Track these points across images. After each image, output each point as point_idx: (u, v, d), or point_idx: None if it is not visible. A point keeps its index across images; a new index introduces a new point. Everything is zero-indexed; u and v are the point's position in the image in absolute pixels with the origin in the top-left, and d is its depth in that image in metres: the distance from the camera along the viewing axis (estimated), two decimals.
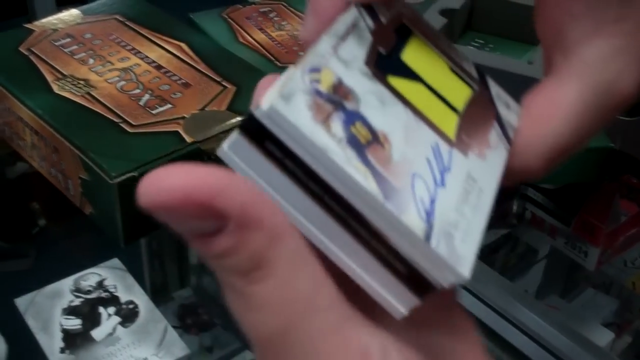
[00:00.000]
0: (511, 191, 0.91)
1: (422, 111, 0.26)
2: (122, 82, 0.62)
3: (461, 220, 0.24)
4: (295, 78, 0.23)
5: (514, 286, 0.79)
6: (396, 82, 0.26)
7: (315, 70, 0.24)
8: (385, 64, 0.27)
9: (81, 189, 0.58)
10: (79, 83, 0.62)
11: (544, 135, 0.27)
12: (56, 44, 0.68)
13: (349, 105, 0.24)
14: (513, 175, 0.27)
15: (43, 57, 0.66)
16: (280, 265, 0.20)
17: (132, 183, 0.54)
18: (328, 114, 0.23)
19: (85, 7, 0.74)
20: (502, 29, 0.68)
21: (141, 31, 0.70)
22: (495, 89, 0.30)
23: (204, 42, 0.70)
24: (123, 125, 0.58)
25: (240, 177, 0.21)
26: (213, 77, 0.63)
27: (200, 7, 0.84)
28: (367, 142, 0.23)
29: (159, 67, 0.65)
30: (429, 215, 0.23)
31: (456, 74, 0.29)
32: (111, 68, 0.64)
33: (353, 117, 0.24)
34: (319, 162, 0.22)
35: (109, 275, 0.65)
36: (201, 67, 0.65)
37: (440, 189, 0.24)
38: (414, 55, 0.28)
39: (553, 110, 0.27)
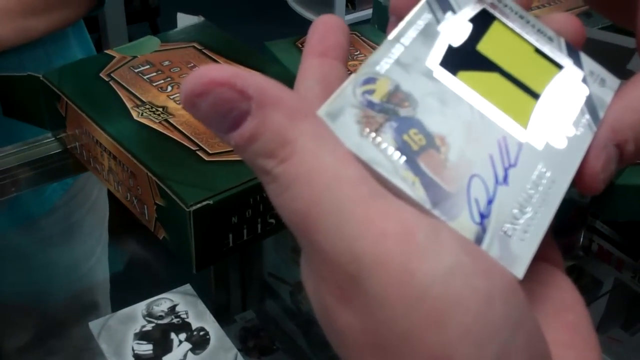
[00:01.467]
0: (578, 223, 0.89)
1: (493, 103, 0.26)
2: None
3: (523, 217, 0.24)
4: (346, 93, 0.24)
5: None
6: (467, 76, 0.26)
7: (370, 81, 0.25)
8: (456, 59, 0.27)
9: (156, 214, 0.59)
10: (157, 110, 0.63)
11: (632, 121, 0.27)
12: (135, 70, 0.69)
13: (404, 111, 0.24)
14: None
15: (123, 83, 0.67)
16: (303, 142, 0.21)
17: (207, 211, 0.54)
18: (379, 125, 0.24)
19: (163, 34, 0.76)
20: None
21: (217, 59, 0.71)
22: (589, 66, 0.29)
23: (279, 71, 0.70)
24: (199, 153, 0.58)
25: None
26: None
27: (276, 36, 0.85)
28: (420, 148, 0.24)
29: None
30: (483, 217, 0.23)
31: (542, 54, 0.28)
32: None
33: (407, 124, 0.24)
34: (372, 171, 0.23)
35: (181, 301, 0.66)
36: None
37: (501, 187, 0.24)
38: (493, 42, 0.28)
39: None
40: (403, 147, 0.24)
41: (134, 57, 0.71)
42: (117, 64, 0.70)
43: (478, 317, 0.21)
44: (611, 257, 0.86)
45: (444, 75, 0.26)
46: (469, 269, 0.21)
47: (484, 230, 0.23)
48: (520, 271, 0.23)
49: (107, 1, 0.86)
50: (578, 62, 0.29)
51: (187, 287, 0.67)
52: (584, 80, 0.28)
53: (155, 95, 0.65)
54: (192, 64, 0.70)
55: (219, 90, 0.21)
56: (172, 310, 0.65)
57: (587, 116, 0.27)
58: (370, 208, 0.21)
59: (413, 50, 0.26)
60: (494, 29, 0.28)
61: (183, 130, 0.61)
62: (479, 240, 0.23)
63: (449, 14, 0.27)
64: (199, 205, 0.54)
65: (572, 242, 0.92)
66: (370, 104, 0.24)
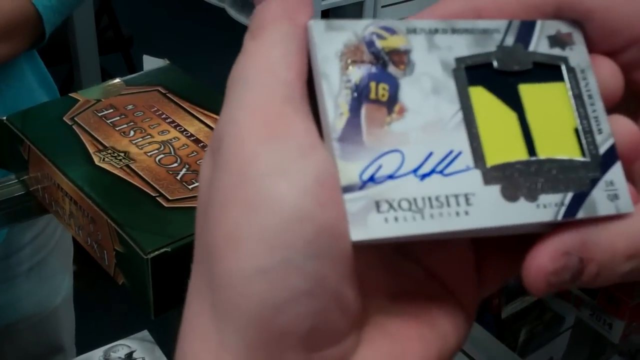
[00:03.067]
0: None
1: (479, 124, 0.26)
2: (161, 155, 0.64)
3: (404, 211, 0.24)
4: (358, 22, 0.25)
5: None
6: (479, 94, 0.26)
7: (389, 30, 0.26)
8: (486, 77, 0.26)
9: (115, 260, 0.59)
10: (119, 155, 0.64)
11: None
12: (99, 114, 0.70)
13: (393, 70, 0.25)
14: None
15: (86, 127, 0.68)
16: (271, 33, 0.25)
17: (165, 258, 0.55)
18: (360, 60, 0.25)
19: (128, 77, 0.77)
20: None
21: (182, 104, 0.72)
22: (612, 176, 0.27)
23: None
24: (159, 200, 0.59)
25: None
26: None
27: None
28: (375, 100, 0.25)
29: (197, 140, 0.66)
30: (370, 181, 0.24)
31: (578, 136, 0.27)
32: (151, 141, 0.66)
33: (384, 78, 0.25)
34: (318, 85, 0.25)
35: (139, 348, 0.66)
36: None
37: (412, 177, 0.24)
38: (539, 93, 0.27)
39: None
40: (362, 88, 0.25)
41: (98, 100, 0.72)
42: (81, 107, 0.71)
43: (281, 224, 0.22)
44: (570, 295, 0.87)
45: (460, 77, 0.26)
46: (307, 187, 0.22)
47: (361, 187, 0.24)
48: (356, 234, 0.23)
49: (79, 30, 0.86)
50: (605, 167, 0.26)
51: (145, 333, 0.67)
52: (593, 182, 0.26)
53: (117, 140, 0.66)
54: (155, 108, 0.71)
55: None
56: (129, 356, 0.66)
57: (563, 209, 0.26)
58: (270, 101, 0.24)
59: (455, 41, 0.26)
60: (553, 86, 0.27)
61: (144, 176, 0.61)
62: (348, 189, 0.23)
63: (519, 44, 0.27)
64: (156, 253, 0.54)
65: None
66: (370, 44, 0.25)
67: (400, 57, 0.25)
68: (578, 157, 0.26)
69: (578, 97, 0.27)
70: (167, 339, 0.86)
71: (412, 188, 0.24)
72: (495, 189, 0.25)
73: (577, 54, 0.28)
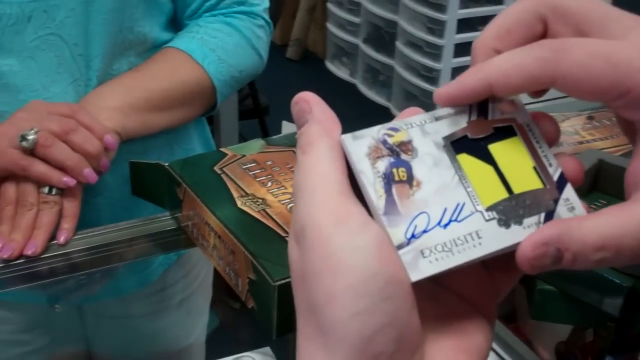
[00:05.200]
0: None
1: (471, 181, 0.36)
2: (292, 204, 0.76)
3: (441, 252, 0.34)
4: (373, 129, 0.36)
5: None
6: (464, 159, 0.37)
7: (394, 129, 0.37)
8: (465, 145, 0.37)
9: (248, 286, 0.71)
10: (257, 201, 0.77)
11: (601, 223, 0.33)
12: (243, 167, 0.83)
13: (405, 156, 0.36)
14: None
15: (232, 176, 0.81)
16: (319, 147, 0.34)
17: (290, 286, 0.65)
18: (381, 155, 0.36)
19: (269, 138, 0.90)
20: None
21: None
22: (567, 194, 0.37)
23: None
24: (288, 239, 0.71)
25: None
26: None
27: None
28: (399, 180, 0.35)
29: None
30: (413, 237, 0.34)
31: (537, 172, 0.37)
32: (285, 191, 0.78)
33: (401, 164, 0.36)
34: (359, 179, 0.35)
35: None
36: None
37: (439, 228, 0.35)
38: (503, 148, 0.37)
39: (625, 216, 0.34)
40: (388, 174, 0.35)
41: (243, 155, 0.86)
42: (229, 160, 0.85)
43: (362, 280, 0.31)
44: None
45: (449, 150, 0.36)
46: (371, 252, 0.32)
47: (407, 243, 0.34)
48: (414, 276, 0.33)
49: (222, 99, 1.00)
50: (560, 188, 0.37)
51: (267, 349, 0.78)
52: (555, 201, 0.37)
53: (257, 189, 0.79)
54: (290, 165, 0.84)
55: (302, 104, 0.36)
56: None
57: (541, 225, 0.36)
58: (331, 196, 0.33)
59: (439, 126, 0.37)
60: (511, 141, 0.37)
61: (277, 220, 0.74)
62: (400, 247, 0.34)
63: (481, 117, 0.38)
64: (283, 281, 0.66)
65: None
66: (384, 142, 0.36)
67: (406, 146, 0.36)
68: (540, 187, 0.37)
69: (529, 144, 0.37)
70: (285, 356, 0.96)
71: (441, 235, 0.35)
72: (494, 223, 0.36)
73: (521, 115, 0.38)
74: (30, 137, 0.82)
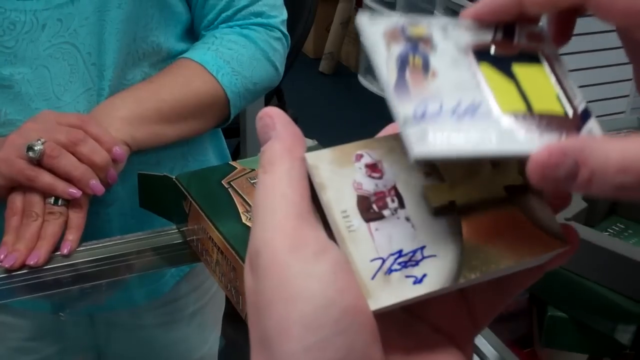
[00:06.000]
0: None
1: (490, 86, 0.33)
2: None
3: (449, 132, 0.31)
4: (393, 16, 0.35)
5: None
6: (486, 68, 0.34)
7: (414, 23, 0.35)
8: (488, 58, 0.35)
9: None
10: None
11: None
12: (251, 181, 0.82)
13: (422, 47, 0.34)
14: None
15: (239, 191, 0.80)
16: (280, 168, 0.32)
17: None
18: (397, 40, 0.34)
19: None
20: None
21: None
22: (591, 125, 0.34)
23: None
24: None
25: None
26: None
27: None
28: (413, 67, 0.34)
29: None
30: (421, 117, 0.32)
31: (560, 101, 0.34)
32: None
33: (417, 52, 0.34)
34: (370, 57, 0.33)
35: None
36: None
37: (449, 116, 0.32)
38: (527, 71, 0.35)
39: None
40: (403, 57, 0.33)
41: (252, 169, 0.84)
42: (237, 174, 0.83)
43: (316, 310, 0.29)
44: None
45: (470, 55, 0.35)
46: (328, 280, 0.30)
47: (414, 120, 0.32)
48: (415, 149, 0.31)
49: (249, 111, 1.00)
50: (584, 120, 0.34)
51: None
52: (578, 129, 0.33)
53: None
54: None
55: (266, 119, 0.34)
56: None
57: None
58: (287, 219, 0.31)
59: (462, 34, 0.35)
60: (536, 67, 0.35)
61: None
62: (404, 122, 0.31)
63: (507, 37, 0.36)
64: None
65: None
66: (402, 30, 0.34)
67: (426, 41, 0.35)
68: (562, 114, 0.34)
69: (555, 74, 0.35)
70: None
71: (452, 124, 0.32)
72: (510, 127, 0.32)
73: (548, 46, 0.36)
74: (37, 147, 0.81)
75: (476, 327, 0.37)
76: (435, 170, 0.35)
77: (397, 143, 0.35)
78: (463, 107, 0.33)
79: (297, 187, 0.32)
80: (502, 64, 0.35)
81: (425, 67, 0.33)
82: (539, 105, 0.33)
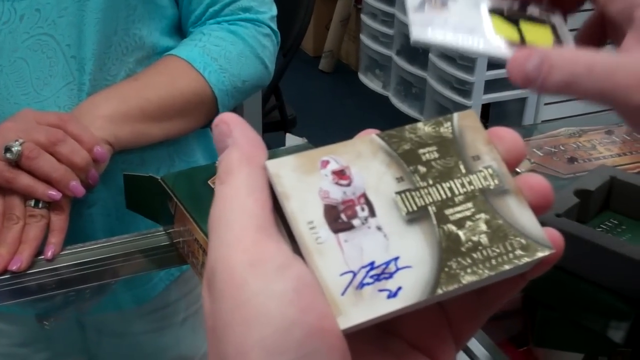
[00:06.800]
0: None
1: (493, 24, 0.44)
2: None
3: (447, 31, 0.44)
4: None
5: None
6: (495, 18, 0.45)
7: None
8: (499, 13, 0.45)
9: None
10: None
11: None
12: None
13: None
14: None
15: None
16: (238, 178, 0.30)
17: None
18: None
19: (272, 150, 0.87)
20: (638, 212, 0.72)
21: None
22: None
23: None
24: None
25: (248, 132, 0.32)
26: None
27: None
28: (433, 2, 0.44)
29: None
30: (429, 20, 0.43)
31: (552, 42, 0.46)
32: None
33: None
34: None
35: None
36: None
37: (451, 26, 0.43)
38: (532, 28, 0.46)
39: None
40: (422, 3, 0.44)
41: None
42: None
43: (276, 333, 0.26)
44: None
45: (484, 9, 0.45)
46: (290, 298, 0.27)
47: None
48: (415, 34, 0.43)
49: (247, 108, 0.97)
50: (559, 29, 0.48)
51: None
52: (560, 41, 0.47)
53: None
54: None
55: (222, 126, 0.32)
56: None
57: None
58: (246, 233, 0.28)
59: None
60: (542, 27, 0.47)
61: None
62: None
63: (521, 7, 0.47)
64: None
65: None
66: None
67: None
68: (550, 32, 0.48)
69: (556, 35, 0.46)
70: None
71: (450, 29, 0.44)
72: (497, 40, 0.45)
73: (557, 19, 0.47)
74: (15, 148, 0.79)
75: (458, 341, 0.34)
76: (407, 175, 0.33)
77: (366, 147, 0.32)
78: (465, 26, 0.44)
79: (257, 198, 0.30)
80: (511, 18, 0.46)
81: (443, 4, 0.44)
82: (531, 38, 0.45)
